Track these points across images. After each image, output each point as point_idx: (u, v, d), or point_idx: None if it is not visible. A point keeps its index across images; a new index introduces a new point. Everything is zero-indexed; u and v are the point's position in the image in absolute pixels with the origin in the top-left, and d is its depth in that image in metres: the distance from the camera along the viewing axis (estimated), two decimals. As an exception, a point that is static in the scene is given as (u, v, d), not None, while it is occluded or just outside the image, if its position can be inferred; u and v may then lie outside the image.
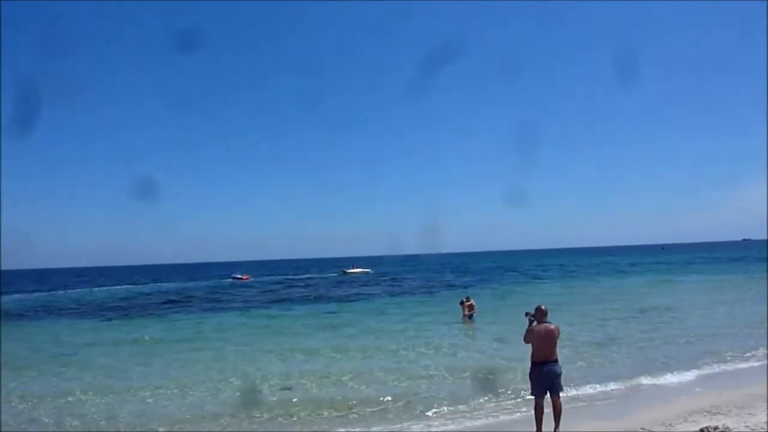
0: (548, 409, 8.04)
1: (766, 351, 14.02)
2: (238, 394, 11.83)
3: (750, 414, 8.69)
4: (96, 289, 58.22)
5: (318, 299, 36.82)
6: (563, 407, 8.22)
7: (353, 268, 74.87)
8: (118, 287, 59.89)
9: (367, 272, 73.45)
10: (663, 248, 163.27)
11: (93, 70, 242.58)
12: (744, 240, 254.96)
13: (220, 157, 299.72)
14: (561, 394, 8.21)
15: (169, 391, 12.13)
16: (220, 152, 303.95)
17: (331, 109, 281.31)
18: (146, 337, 21.08)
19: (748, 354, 13.92)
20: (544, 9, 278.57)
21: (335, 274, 71.67)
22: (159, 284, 64.16)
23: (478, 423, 9.25)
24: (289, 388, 12.04)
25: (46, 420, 10.40)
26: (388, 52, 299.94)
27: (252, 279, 67.82)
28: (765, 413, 8.68)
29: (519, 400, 10.18)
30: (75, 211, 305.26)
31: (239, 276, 70.08)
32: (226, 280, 66.74)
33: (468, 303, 22.47)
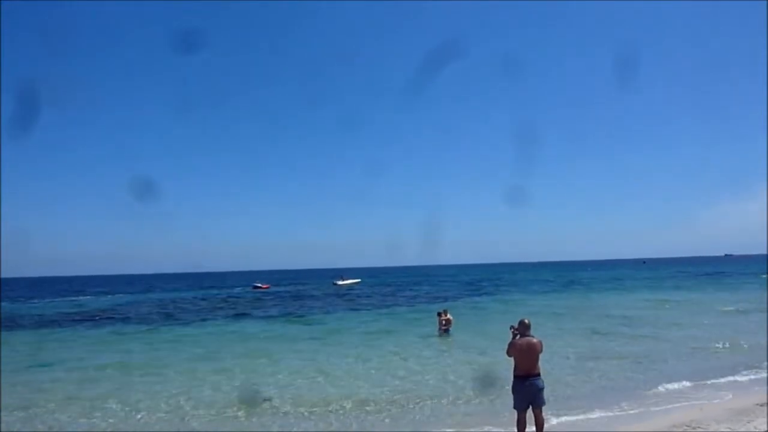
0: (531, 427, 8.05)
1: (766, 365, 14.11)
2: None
3: (730, 429, 8.77)
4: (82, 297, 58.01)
5: (302, 312, 36.69)
6: (545, 421, 8.26)
7: (343, 280, 75.58)
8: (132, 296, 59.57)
9: (358, 282, 75.49)
10: (644, 263, 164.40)
11: (93, 72, 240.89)
12: (726, 255, 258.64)
13: (219, 161, 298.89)
14: (543, 408, 8.23)
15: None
16: (219, 155, 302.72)
17: (330, 112, 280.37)
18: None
19: (729, 369, 13.99)
20: (545, 10, 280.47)
21: (327, 285, 71.89)
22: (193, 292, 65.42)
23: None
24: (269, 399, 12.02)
25: None
26: (387, 53, 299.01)
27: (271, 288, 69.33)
28: (744, 427, 8.78)
29: (500, 413, 10.08)
30: (74, 217, 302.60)
31: (259, 285, 72.08)
32: (246, 289, 68.98)
33: (445, 317, 22.43)
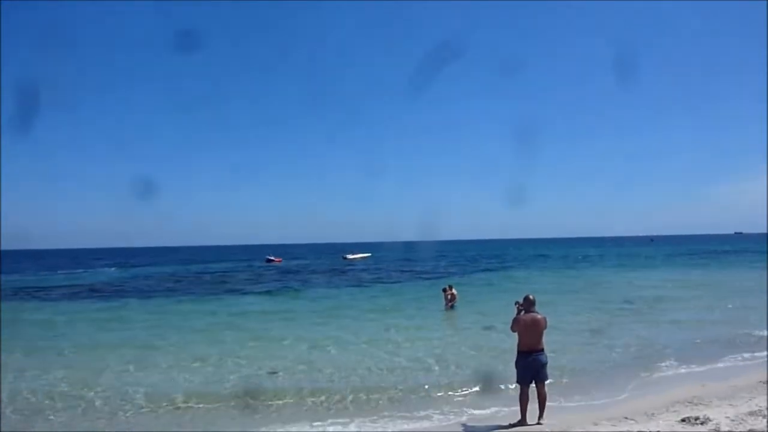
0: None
1: None
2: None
3: (731, 405, 8.82)
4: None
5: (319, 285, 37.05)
6: (548, 396, 8.36)
7: (353, 254, 76.27)
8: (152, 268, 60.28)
9: (367, 257, 76.08)
10: (652, 240, 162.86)
11: (93, 72, 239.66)
12: (736, 233, 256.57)
13: (219, 161, 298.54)
14: (546, 383, 8.33)
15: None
16: (219, 155, 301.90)
17: (330, 112, 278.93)
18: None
19: (734, 347, 14.03)
20: (545, 10, 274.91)
21: (336, 260, 72.65)
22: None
23: (463, 411, 9.33)
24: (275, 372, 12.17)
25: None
26: (387, 53, 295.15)
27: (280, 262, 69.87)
28: (746, 404, 8.83)
29: (504, 388, 10.20)
30: (74, 217, 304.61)
31: (272, 258, 72.63)
32: (259, 262, 69.89)
33: (450, 292, 22.53)
